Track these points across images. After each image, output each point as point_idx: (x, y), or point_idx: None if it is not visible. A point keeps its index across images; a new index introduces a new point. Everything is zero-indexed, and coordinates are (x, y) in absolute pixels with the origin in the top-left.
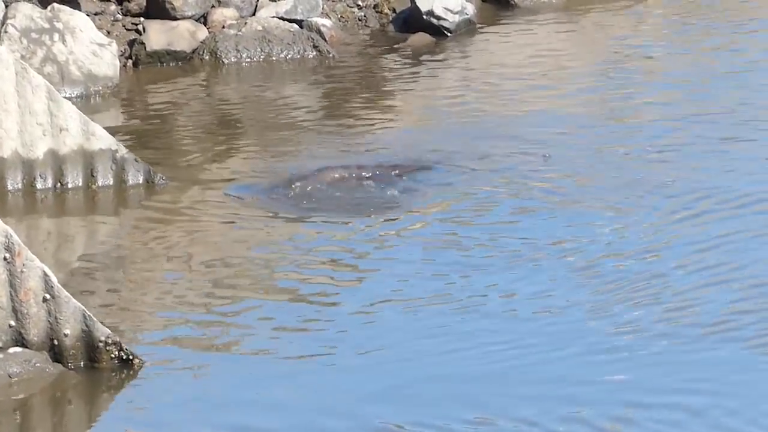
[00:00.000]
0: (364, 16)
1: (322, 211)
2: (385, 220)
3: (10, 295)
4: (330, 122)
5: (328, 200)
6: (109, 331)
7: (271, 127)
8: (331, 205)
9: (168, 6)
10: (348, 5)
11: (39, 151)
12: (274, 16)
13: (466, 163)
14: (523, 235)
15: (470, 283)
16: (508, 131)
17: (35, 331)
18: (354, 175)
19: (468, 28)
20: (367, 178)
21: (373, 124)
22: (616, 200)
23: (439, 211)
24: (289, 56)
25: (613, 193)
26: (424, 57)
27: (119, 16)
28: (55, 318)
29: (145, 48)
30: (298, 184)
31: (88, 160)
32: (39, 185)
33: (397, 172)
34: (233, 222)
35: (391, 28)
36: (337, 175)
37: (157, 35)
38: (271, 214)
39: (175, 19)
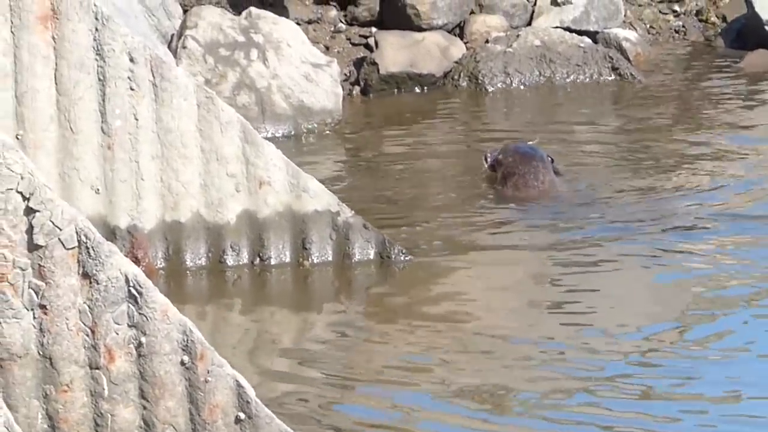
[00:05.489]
0: (683, 26)
1: None
2: None
3: (190, 413)
4: (636, 176)
5: None
6: None
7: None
8: None
9: (411, 12)
10: (660, 11)
11: (230, 214)
12: (557, 27)
13: None
14: None
15: None
16: None
17: None
18: None
19: None
20: None
21: (697, 183)
22: None
23: None
24: (578, 81)
25: None
26: (767, 84)
27: (342, 26)
28: None
29: (377, 70)
30: None
31: (299, 227)
32: (230, 261)
33: None
34: (519, 323)
35: (719, 42)
36: None
37: (395, 52)
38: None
39: (420, 29)
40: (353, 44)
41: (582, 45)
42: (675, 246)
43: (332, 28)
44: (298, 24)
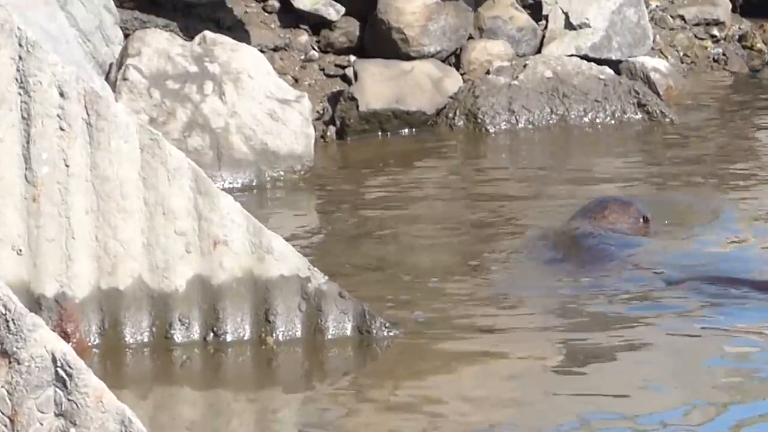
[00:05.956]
0: (723, 54)
1: None
2: None
3: None
4: (668, 237)
5: None
6: None
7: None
8: None
9: (397, 37)
10: (696, 36)
11: (179, 279)
12: (572, 55)
13: None
14: None
15: None
16: None
17: None
18: None
19: None
20: None
21: (739, 245)
22: None
23: None
24: (598, 120)
25: None
26: None
27: (314, 53)
28: None
29: (357, 106)
30: None
31: (261, 295)
32: (178, 336)
33: None
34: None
35: (766, 73)
36: None
37: (378, 86)
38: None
39: (408, 58)
40: (328, 76)
41: (602, 77)
42: (712, 323)
43: (303, 57)
44: (261, 51)
